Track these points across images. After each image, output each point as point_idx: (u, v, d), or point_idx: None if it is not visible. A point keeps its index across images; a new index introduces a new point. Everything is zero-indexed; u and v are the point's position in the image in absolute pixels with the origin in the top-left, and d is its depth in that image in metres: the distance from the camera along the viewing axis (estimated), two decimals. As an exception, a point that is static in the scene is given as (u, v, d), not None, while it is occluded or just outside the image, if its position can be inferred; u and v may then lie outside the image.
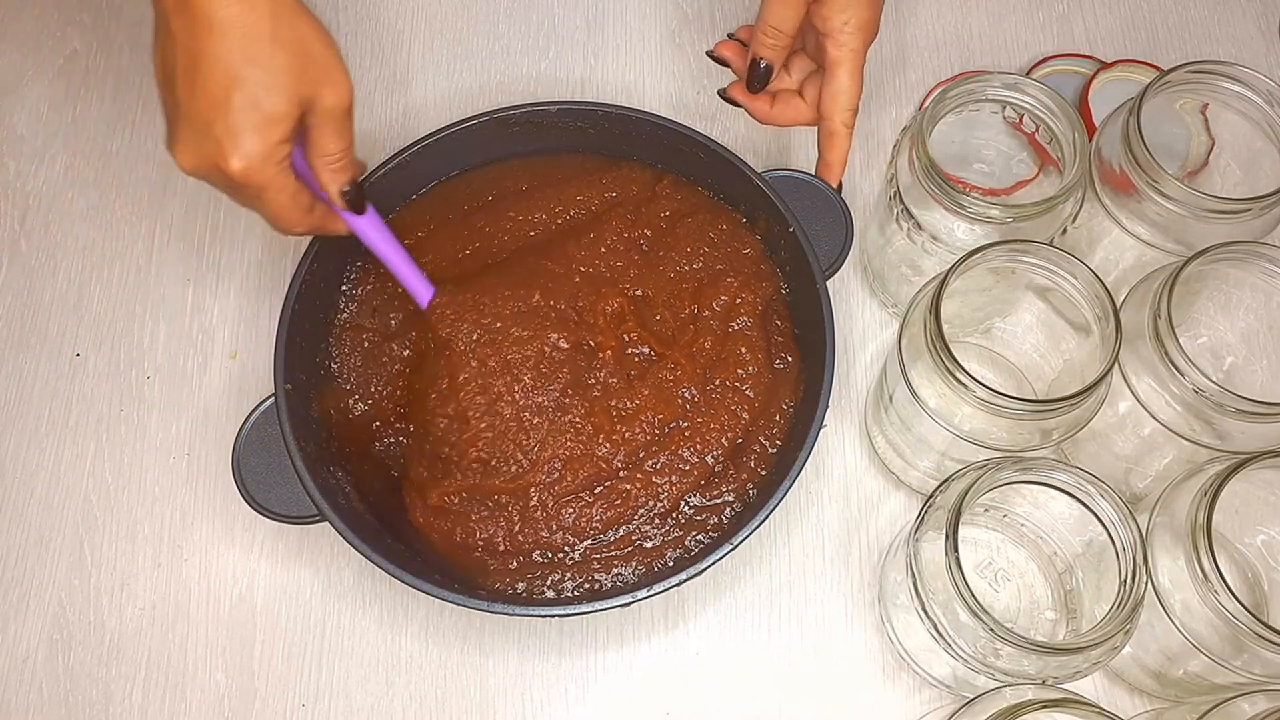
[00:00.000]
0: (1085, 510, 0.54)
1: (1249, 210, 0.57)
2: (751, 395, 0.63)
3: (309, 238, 0.63)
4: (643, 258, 0.67)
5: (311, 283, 0.63)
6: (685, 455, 0.62)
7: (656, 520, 0.61)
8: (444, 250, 0.67)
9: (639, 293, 0.66)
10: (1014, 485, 0.55)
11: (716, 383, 0.63)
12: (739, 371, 0.63)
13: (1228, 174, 0.67)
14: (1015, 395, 0.53)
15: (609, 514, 0.61)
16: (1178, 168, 0.69)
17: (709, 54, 0.67)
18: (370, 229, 0.59)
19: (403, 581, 0.56)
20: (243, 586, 0.65)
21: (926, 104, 0.65)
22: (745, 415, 0.63)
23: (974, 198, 0.58)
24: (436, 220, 0.68)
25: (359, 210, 0.57)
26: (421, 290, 0.62)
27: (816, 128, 0.65)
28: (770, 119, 0.67)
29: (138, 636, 0.64)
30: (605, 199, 0.68)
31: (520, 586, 0.60)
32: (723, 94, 0.67)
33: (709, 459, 0.62)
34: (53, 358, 0.70)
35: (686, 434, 0.62)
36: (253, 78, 0.50)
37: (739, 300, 0.65)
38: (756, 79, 0.64)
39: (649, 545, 0.61)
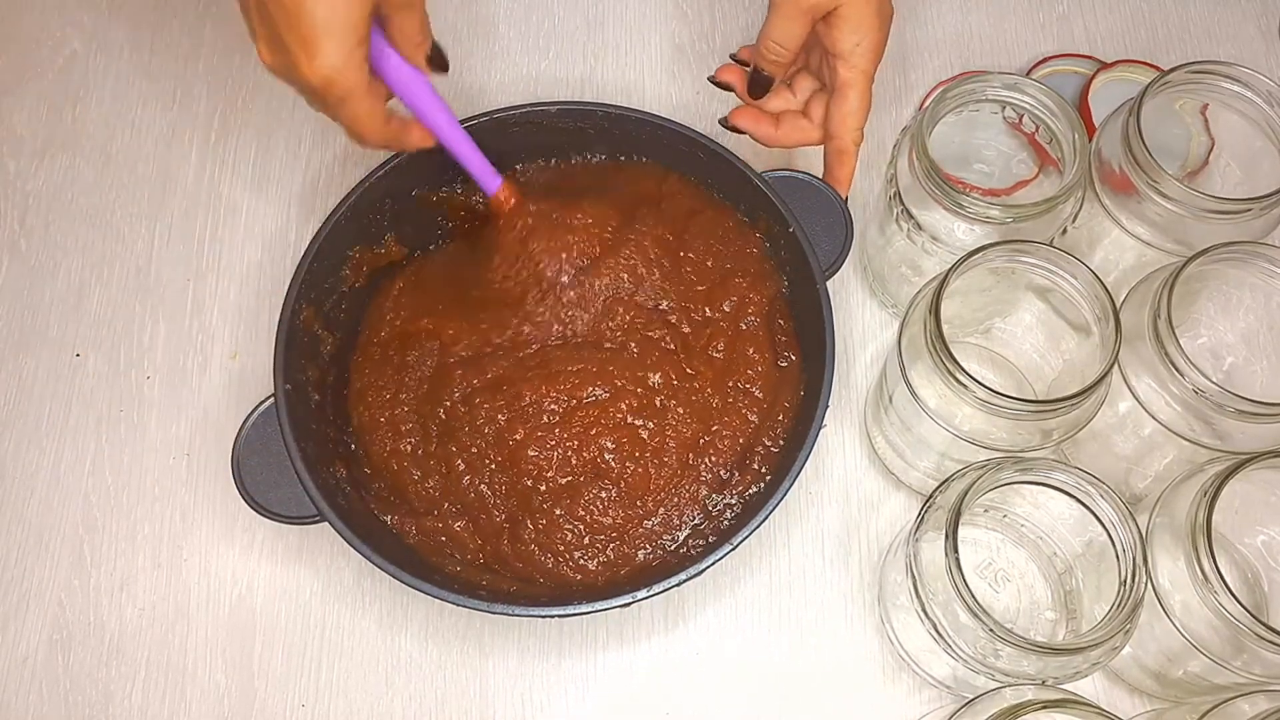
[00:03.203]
0: (1085, 511, 0.54)
1: (1249, 210, 0.57)
2: (760, 395, 0.63)
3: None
4: (665, 253, 0.67)
5: (311, 283, 0.63)
6: (702, 473, 0.62)
7: (660, 529, 0.62)
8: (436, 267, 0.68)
9: (659, 305, 0.66)
10: (1014, 485, 0.55)
11: (730, 384, 0.64)
12: (748, 372, 0.64)
13: (1228, 174, 0.67)
14: (1015, 395, 0.53)
15: (612, 533, 0.61)
16: (1178, 168, 0.69)
17: (711, 79, 0.67)
18: (442, 121, 0.59)
19: (402, 582, 0.56)
20: (243, 587, 0.65)
21: (926, 104, 0.65)
22: (754, 418, 0.63)
23: (974, 198, 0.58)
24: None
25: (444, 69, 0.57)
26: (488, 180, 0.62)
27: (823, 145, 0.65)
28: (776, 141, 0.66)
29: (138, 636, 0.64)
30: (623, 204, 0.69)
31: (514, 588, 0.60)
32: (724, 122, 0.67)
33: (720, 471, 0.62)
34: (53, 358, 0.70)
35: (702, 445, 0.62)
36: None
37: (747, 300, 0.65)
38: (757, 85, 0.64)
39: (649, 546, 0.61)
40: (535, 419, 0.62)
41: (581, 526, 0.61)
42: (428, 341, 0.65)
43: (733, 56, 0.67)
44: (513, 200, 0.63)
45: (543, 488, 0.61)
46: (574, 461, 0.62)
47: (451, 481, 0.62)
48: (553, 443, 0.62)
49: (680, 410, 0.63)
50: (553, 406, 0.62)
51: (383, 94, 0.55)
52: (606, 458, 0.62)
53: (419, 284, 0.68)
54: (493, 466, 0.62)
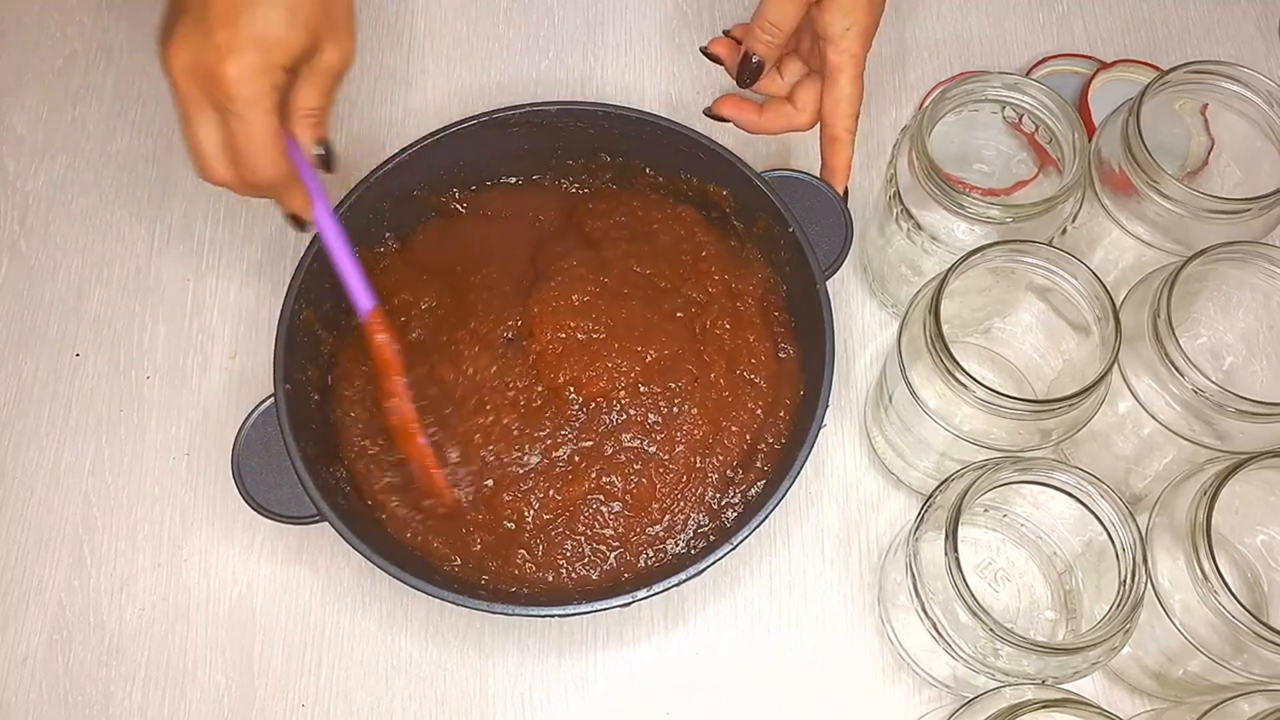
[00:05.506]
0: (1085, 510, 0.54)
1: (1249, 210, 0.57)
2: (764, 387, 0.63)
3: (295, 248, 0.63)
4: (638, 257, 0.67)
5: (311, 283, 0.63)
6: (709, 474, 0.62)
7: (664, 534, 0.61)
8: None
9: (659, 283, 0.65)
10: (1014, 485, 0.55)
11: (737, 373, 0.63)
12: (752, 361, 0.64)
13: (1228, 174, 0.67)
14: (1015, 395, 0.53)
15: (615, 542, 0.61)
16: (1178, 168, 0.69)
17: (703, 50, 0.67)
18: (326, 218, 0.58)
19: (403, 581, 0.56)
20: (242, 587, 0.65)
21: (926, 104, 0.65)
22: (760, 412, 0.63)
23: (974, 198, 0.58)
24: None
25: (328, 169, 0.56)
26: (362, 299, 0.60)
27: (816, 132, 0.65)
28: (760, 128, 0.66)
29: (138, 636, 0.64)
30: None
31: (514, 588, 0.60)
32: (708, 112, 0.67)
33: (726, 471, 0.62)
34: (53, 358, 0.70)
35: (709, 445, 0.62)
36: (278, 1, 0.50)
37: (734, 286, 0.65)
38: (747, 73, 0.64)
39: (652, 551, 0.61)
40: (508, 469, 0.61)
41: (582, 540, 0.61)
42: (399, 316, 0.65)
43: (726, 32, 0.67)
44: (379, 332, 0.60)
45: (529, 524, 0.60)
46: (564, 498, 0.61)
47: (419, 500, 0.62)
48: (535, 490, 0.61)
49: (694, 411, 0.62)
50: (526, 459, 0.61)
51: (285, 141, 0.53)
52: (608, 481, 0.61)
53: (406, 260, 0.68)
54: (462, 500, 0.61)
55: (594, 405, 0.61)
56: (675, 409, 0.62)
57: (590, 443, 0.61)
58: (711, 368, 0.63)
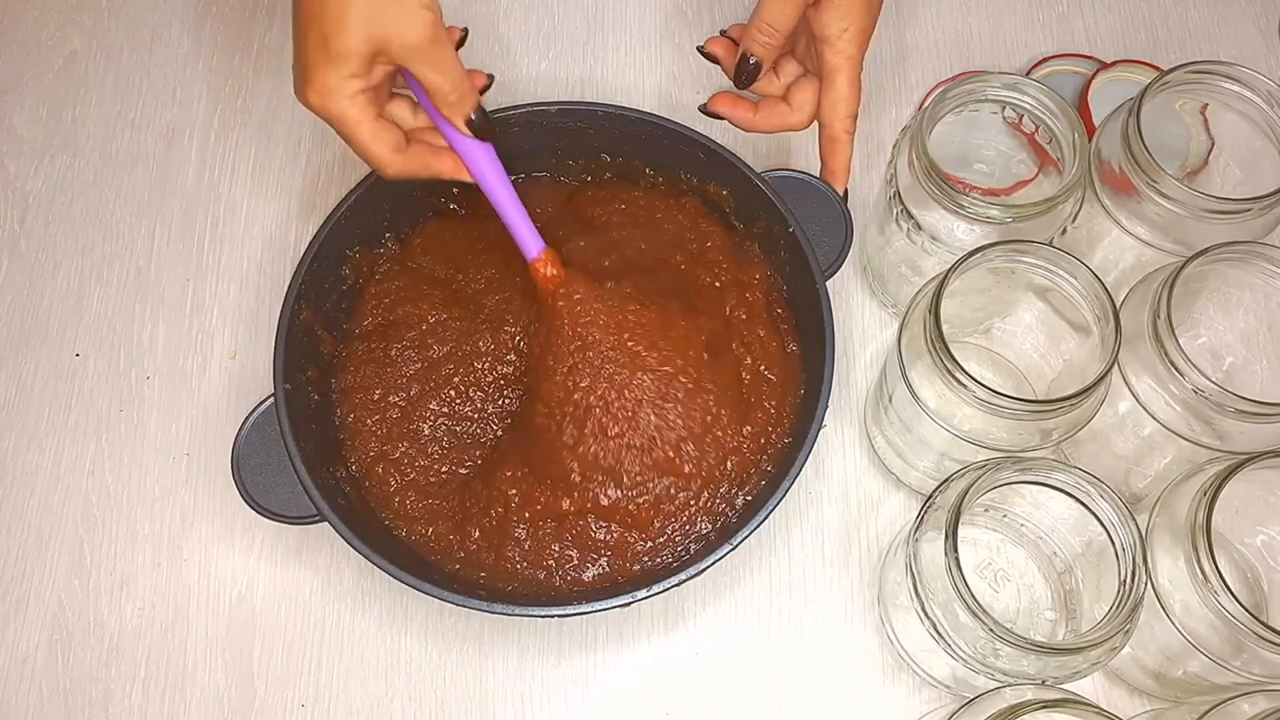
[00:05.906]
0: (1085, 510, 0.54)
1: (1249, 210, 0.57)
2: (775, 381, 0.63)
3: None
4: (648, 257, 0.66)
5: (311, 283, 0.63)
6: (721, 484, 0.61)
7: (663, 545, 0.61)
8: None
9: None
10: (1014, 485, 0.55)
11: (759, 370, 0.63)
12: (765, 355, 0.63)
13: (1228, 174, 0.67)
14: (1015, 395, 0.53)
15: (605, 550, 0.61)
16: (1178, 168, 0.69)
17: (699, 49, 0.67)
18: (487, 169, 0.58)
19: (402, 582, 0.56)
20: (242, 587, 0.65)
21: (926, 104, 0.65)
22: (773, 410, 0.63)
23: (974, 198, 0.58)
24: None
25: (487, 138, 0.57)
26: (530, 243, 0.61)
27: (815, 132, 0.65)
28: (754, 127, 0.66)
29: (138, 636, 0.64)
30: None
31: (513, 587, 0.60)
32: (704, 109, 0.67)
33: (733, 476, 0.61)
34: (53, 358, 0.70)
35: (730, 467, 0.61)
36: (325, 15, 0.51)
37: (742, 278, 0.65)
38: (745, 74, 0.64)
39: (649, 558, 0.61)
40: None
41: (569, 547, 0.60)
42: (408, 332, 0.65)
43: (723, 32, 0.67)
44: (552, 270, 0.61)
45: (517, 525, 0.60)
46: (564, 506, 0.60)
47: (428, 492, 0.63)
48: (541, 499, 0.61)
49: (725, 412, 0.60)
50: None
51: (391, 125, 0.55)
52: (605, 500, 0.60)
53: (403, 268, 0.68)
54: (457, 479, 0.62)
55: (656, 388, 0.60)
56: (710, 418, 0.60)
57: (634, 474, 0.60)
58: (739, 363, 0.62)
